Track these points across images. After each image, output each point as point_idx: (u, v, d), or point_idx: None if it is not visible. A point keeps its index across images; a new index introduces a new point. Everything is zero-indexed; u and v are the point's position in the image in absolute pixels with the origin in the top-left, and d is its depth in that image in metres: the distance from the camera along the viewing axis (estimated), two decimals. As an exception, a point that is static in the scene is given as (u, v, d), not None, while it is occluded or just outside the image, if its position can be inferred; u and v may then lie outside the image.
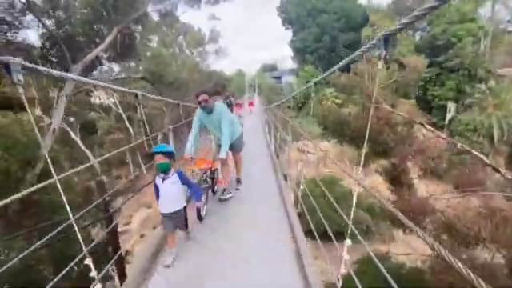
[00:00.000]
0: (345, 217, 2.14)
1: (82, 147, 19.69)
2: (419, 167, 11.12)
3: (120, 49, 9.23)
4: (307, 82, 24.28)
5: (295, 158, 20.96)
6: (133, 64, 18.08)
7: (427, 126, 9.32)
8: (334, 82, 19.43)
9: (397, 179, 10.82)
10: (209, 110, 3.41)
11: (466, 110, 17.84)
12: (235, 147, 3.88)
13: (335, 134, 14.07)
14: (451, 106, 20.24)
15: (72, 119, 22.73)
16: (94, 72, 14.79)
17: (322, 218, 2.68)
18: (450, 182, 12.23)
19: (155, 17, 16.93)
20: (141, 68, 16.19)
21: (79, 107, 22.61)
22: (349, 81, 15.34)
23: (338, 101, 27.84)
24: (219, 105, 3.55)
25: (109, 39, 7.81)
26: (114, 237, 2.03)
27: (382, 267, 1.55)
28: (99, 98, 23.96)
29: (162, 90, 14.12)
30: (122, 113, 21.85)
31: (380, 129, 10.98)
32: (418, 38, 24.41)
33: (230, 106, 6.57)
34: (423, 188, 11.82)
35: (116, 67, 17.95)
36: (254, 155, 6.61)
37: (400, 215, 1.26)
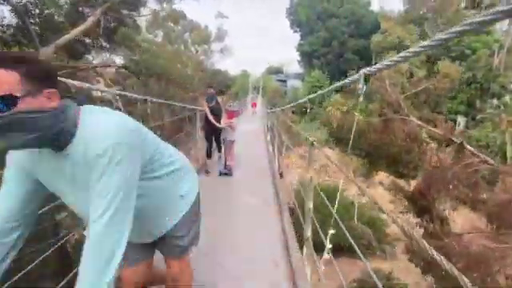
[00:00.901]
0: (348, 235, 1.81)
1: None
2: (452, 196, 8.55)
3: (104, 33, 8.39)
4: (313, 87, 23.55)
5: (296, 164, 20.59)
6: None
7: (469, 147, 7.91)
8: (351, 88, 18.27)
9: (425, 209, 8.55)
10: (51, 143, 0.75)
11: (478, 125, 17.40)
12: None
13: (348, 147, 11.81)
14: (461, 120, 19.81)
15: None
16: (93, 61, 13.96)
17: (320, 231, 2.31)
18: (481, 213, 10.48)
19: (152, 3, 15.68)
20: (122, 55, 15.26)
21: (78, 100, 22.54)
22: (368, 86, 13.96)
23: (343, 108, 27.53)
24: (100, 125, 0.77)
25: (90, 20, 6.77)
26: (62, 262, 1.62)
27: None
28: (100, 91, 23.90)
29: (152, 83, 13.01)
30: (121, 107, 21.70)
31: (408, 147, 9.19)
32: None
33: (216, 112, 4.76)
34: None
35: (118, 59, 17.46)
36: (251, 174, 5.06)
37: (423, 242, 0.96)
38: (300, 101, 6.40)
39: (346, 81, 2.19)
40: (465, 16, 21.51)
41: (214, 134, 4.98)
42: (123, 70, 11.62)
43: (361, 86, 1.74)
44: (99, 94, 23.66)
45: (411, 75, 17.24)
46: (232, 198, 3.80)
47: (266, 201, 3.69)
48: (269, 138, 8.15)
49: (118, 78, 19.13)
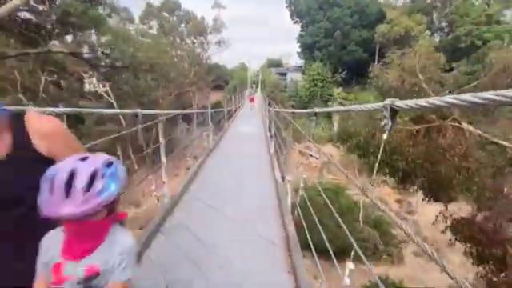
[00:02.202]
0: (350, 236, 1.67)
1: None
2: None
3: (55, 13, 6.32)
4: (314, 80, 21.88)
5: (296, 161, 20.25)
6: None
7: None
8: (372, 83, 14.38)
9: (491, 255, 5.97)
10: None
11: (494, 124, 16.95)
12: None
13: (383, 166, 8.03)
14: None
15: (61, 107, 22.13)
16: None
17: (323, 234, 2.16)
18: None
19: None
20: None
21: (69, 94, 22.01)
22: (396, 80, 9.30)
23: (345, 102, 27.05)
24: None
25: (25, -6, 4.81)
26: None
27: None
28: (93, 85, 23.38)
29: (117, 75, 9.69)
30: (114, 102, 21.27)
31: (468, 166, 6.53)
32: (437, 39, 23.50)
33: None
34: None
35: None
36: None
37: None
38: (342, 108, 4.79)
39: (369, 107, 1.45)
40: (473, 6, 20.88)
41: None
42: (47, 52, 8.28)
43: (387, 124, 1.08)
44: (92, 88, 22.91)
45: (451, 69, 14.58)
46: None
47: None
48: (272, 149, 5.93)
49: (111, 72, 18.52)
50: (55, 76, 20.97)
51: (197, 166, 4.75)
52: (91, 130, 18.86)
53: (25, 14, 6.00)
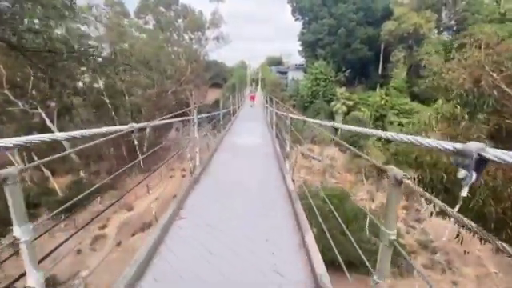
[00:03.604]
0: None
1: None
2: None
3: None
4: (316, 80, 21.73)
5: (299, 164, 19.84)
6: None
7: None
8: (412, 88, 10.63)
9: None
10: None
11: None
12: None
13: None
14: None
15: (53, 104, 21.71)
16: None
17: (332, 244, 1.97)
18: None
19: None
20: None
21: (60, 91, 21.60)
22: (467, 81, 5.12)
23: (349, 102, 26.71)
24: None
25: None
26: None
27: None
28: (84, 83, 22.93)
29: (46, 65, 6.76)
30: (106, 99, 20.88)
31: None
32: (445, 37, 23.21)
33: None
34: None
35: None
36: None
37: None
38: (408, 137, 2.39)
39: (439, 146, 0.87)
40: (484, 2, 20.58)
41: None
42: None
43: (468, 176, 0.80)
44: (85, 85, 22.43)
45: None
46: None
47: None
48: (292, 184, 3.70)
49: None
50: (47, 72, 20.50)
51: (164, 224, 2.60)
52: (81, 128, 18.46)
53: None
